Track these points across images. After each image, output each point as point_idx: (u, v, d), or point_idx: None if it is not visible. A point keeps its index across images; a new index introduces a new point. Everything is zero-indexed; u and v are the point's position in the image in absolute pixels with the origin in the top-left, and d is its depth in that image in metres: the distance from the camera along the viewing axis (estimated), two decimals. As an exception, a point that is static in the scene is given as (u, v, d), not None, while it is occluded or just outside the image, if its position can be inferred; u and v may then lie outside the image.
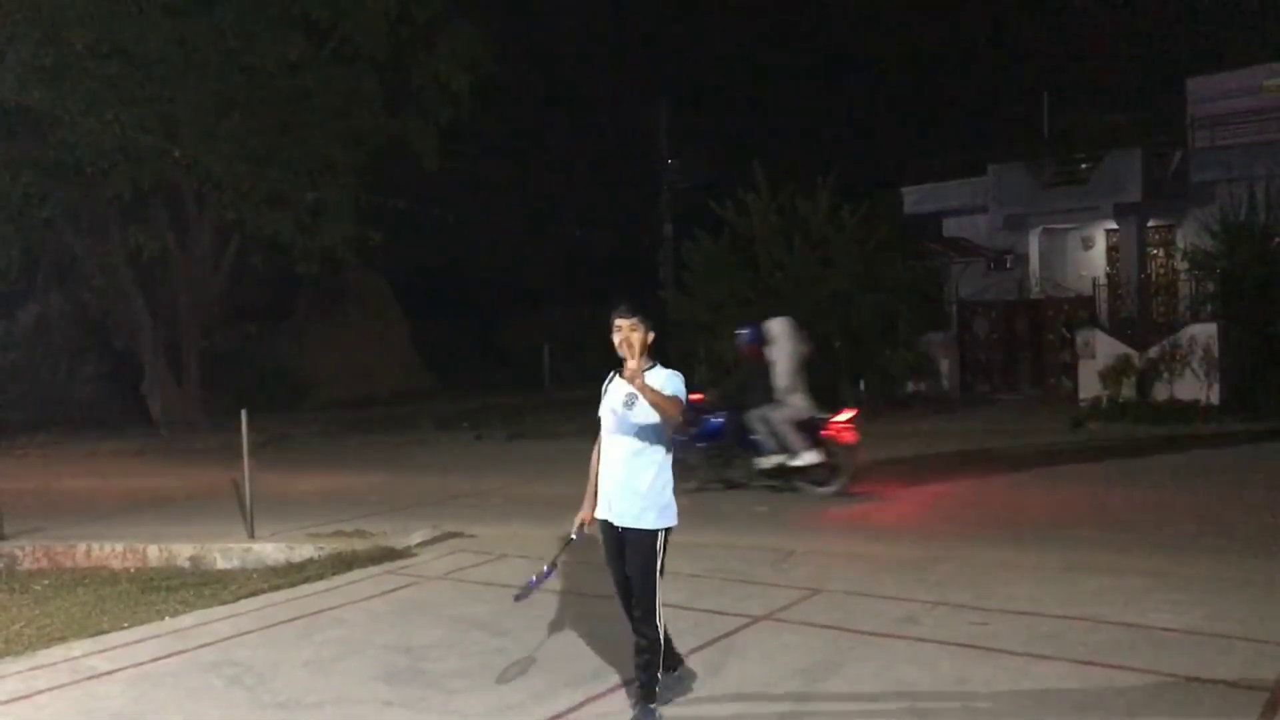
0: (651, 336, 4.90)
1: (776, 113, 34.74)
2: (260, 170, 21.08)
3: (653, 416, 4.82)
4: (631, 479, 4.92)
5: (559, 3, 32.81)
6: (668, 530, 4.96)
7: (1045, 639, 5.88)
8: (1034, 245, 26.05)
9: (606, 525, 5.04)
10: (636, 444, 4.93)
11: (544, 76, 31.72)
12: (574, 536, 5.21)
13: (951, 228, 27.35)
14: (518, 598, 5.49)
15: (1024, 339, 23.04)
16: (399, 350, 32.84)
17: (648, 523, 4.89)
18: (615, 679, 5.53)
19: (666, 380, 4.84)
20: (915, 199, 27.72)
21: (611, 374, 5.06)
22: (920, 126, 33.43)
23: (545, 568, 5.45)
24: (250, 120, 21.03)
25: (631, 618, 5.01)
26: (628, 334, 4.80)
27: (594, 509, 5.10)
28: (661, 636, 4.89)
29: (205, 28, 20.26)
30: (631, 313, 4.83)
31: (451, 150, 24.49)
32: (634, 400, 4.84)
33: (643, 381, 4.65)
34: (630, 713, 5.02)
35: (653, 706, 4.89)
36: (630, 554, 4.94)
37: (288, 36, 21.11)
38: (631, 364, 4.67)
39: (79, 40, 19.07)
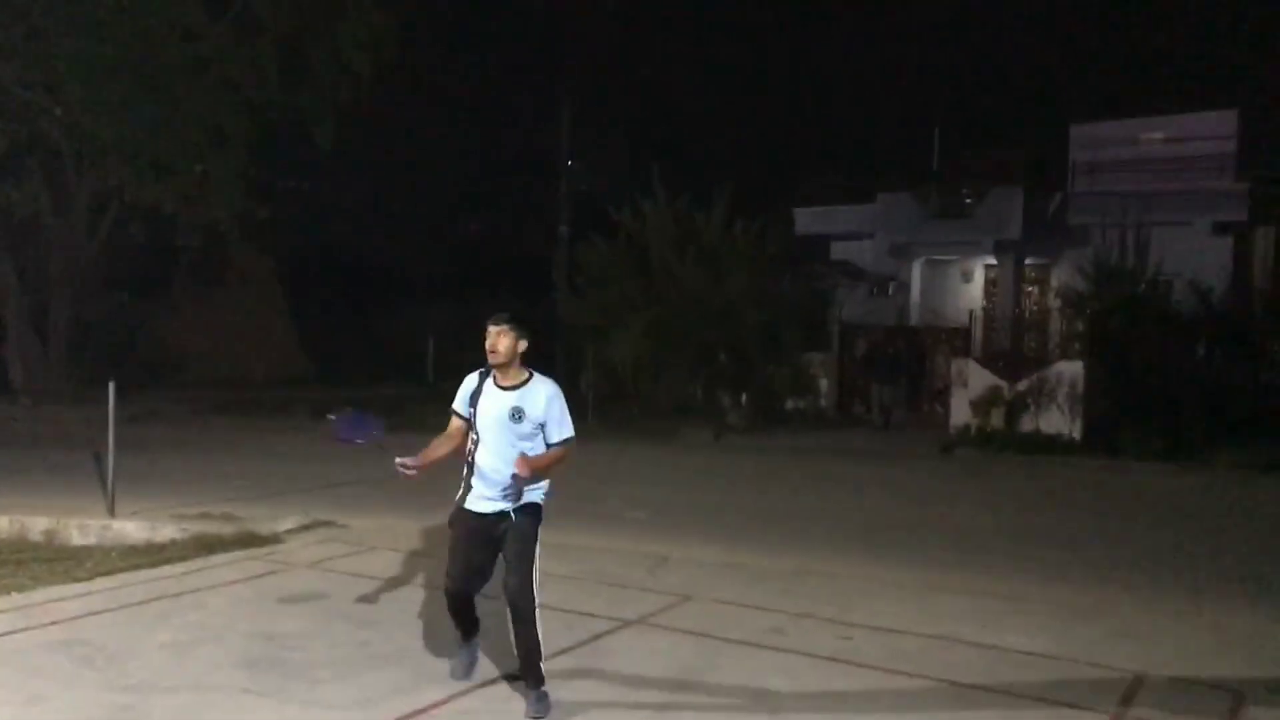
0: (524, 344, 5.08)
1: (679, 123, 35.01)
2: (148, 137, 20.32)
3: (538, 431, 5.06)
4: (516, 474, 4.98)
5: (468, -9, 32.50)
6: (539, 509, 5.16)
7: (906, 655, 6.05)
8: (916, 274, 26.77)
9: (473, 517, 5.12)
10: (520, 449, 5.03)
11: (448, 64, 31.32)
12: (396, 460, 5.05)
13: (839, 251, 27.95)
14: (338, 434, 5.44)
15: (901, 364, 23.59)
16: (278, 332, 32.00)
17: (533, 498, 5.11)
18: (479, 677, 5.50)
19: (547, 400, 5.05)
20: (806, 220, 28.23)
21: (483, 371, 5.15)
22: (815, 150, 34.11)
23: (370, 430, 5.35)
24: (141, 85, 20.26)
25: (469, 600, 5.23)
26: (495, 339, 5.03)
27: (423, 465, 5.09)
28: (537, 611, 4.99)
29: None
30: (503, 320, 5.04)
31: (348, 132, 24.02)
32: (521, 414, 5.01)
33: (526, 469, 4.88)
34: (497, 708, 5.01)
35: (545, 688, 5.04)
36: (513, 532, 5.04)
37: (186, 2, 20.45)
38: (522, 469, 4.87)
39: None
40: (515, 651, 5.07)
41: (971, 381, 19.01)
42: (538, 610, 4.99)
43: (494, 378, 5.11)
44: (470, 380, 5.20)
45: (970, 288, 26.80)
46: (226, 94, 21.45)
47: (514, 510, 5.05)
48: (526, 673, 5.06)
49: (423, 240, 32.85)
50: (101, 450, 10.41)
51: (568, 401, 5.18)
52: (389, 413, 19.89)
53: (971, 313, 24.52)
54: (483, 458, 5.09)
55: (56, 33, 19.44)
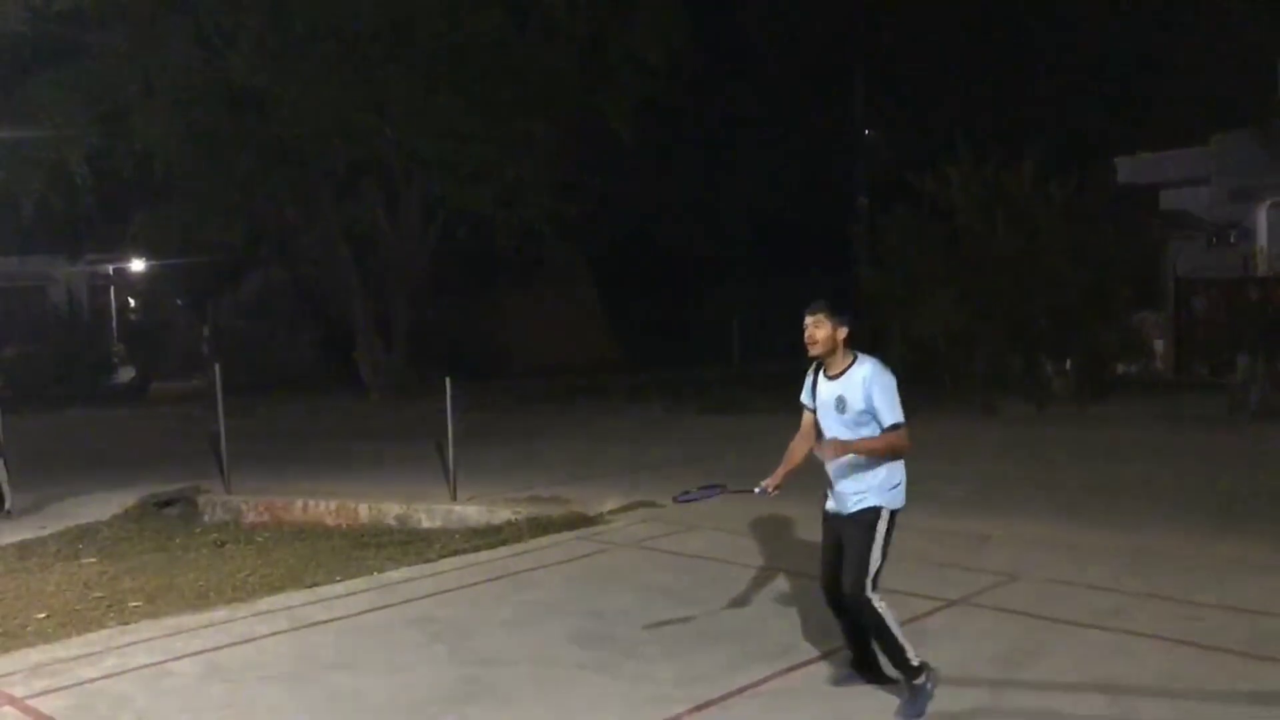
0: (844, 331, 4.83)
1: (980, 81, 33.36)
2: (464, 147, 21.77)
3: (869, 420, 4.78)
4: (855, 471, 4.82)
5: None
6: (893, 512, 4.84)
7: (1269, 638, 5.51)
8: (1263, 220, 24.29)
9: (828, 517, 5.00)
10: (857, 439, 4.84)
11: (737, 47, 31.42)
12: (755, 491, 5.05)
13: (1169, 200, 25.73)
14: (677, 499, 5.39)
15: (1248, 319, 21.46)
16: (591, 322, 33.42)
17: (869, 502, 4.80)
18: (802, 656, 5.52)
19: (864, 384, 4.75)
20: (1129, 170, 26.23)
21: (815, 364, 4.98)
22: (1135, 93, 31.44)
23: (714, 489, 5.23)
24: (455, 98, 21.74)
25: (840, 605, 4.89)
26: (811, 330, 4.84)
27: (781, 480, 5.02)
28: (880, 611, 4.71)
29: (413, 8, 21.03)
30: (818, 309, 4.84)
31: (645, 123, 24.65)
32: (844, 404, 4.80)
33: (841, 448, 4.74)
34: (820, 687, 5.01)
35: (917, 682, 4.70)
36: (850, 534, 4.82)
37: (491, 15, 21.69)
38: (827, 450, 4.77)
39: (300, 23, 20.12)
40: None
41: (1336, 335, 17.00)
42: (881, 614, 4.71)
43: (824, 368, 4.93)
44: (810, 373, 5.04)
45: (1330, 231, 24.02)
46: (533, 99, 22.58)
47: (849, 515, 4.84)
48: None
49: (723, 224, 33.24)
50: (441, 440, 11.27)
51: None
52: (698, 396, 20.35)
53: (1332, 259, 22.00)
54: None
55: (382, 58, 21.18)
